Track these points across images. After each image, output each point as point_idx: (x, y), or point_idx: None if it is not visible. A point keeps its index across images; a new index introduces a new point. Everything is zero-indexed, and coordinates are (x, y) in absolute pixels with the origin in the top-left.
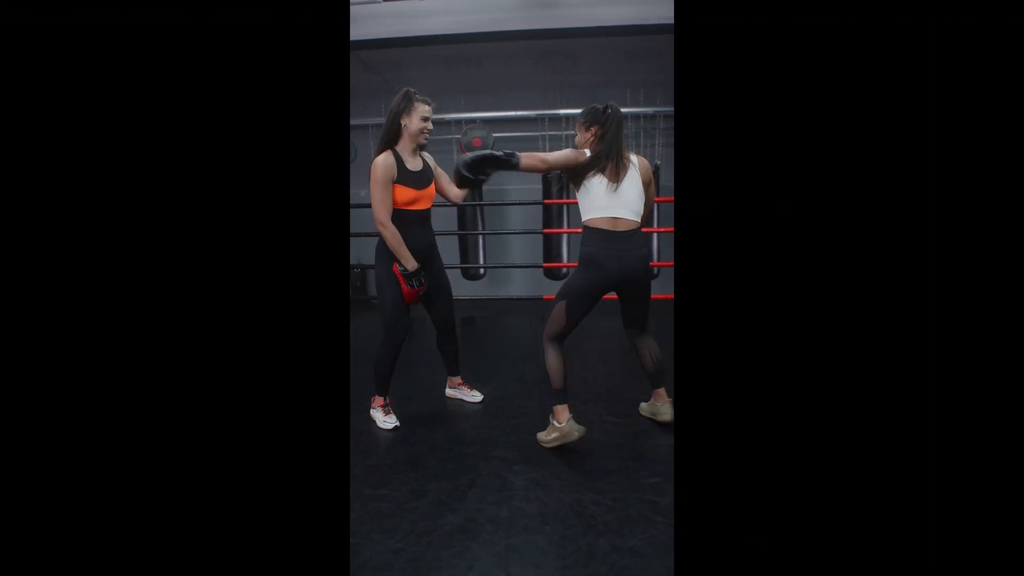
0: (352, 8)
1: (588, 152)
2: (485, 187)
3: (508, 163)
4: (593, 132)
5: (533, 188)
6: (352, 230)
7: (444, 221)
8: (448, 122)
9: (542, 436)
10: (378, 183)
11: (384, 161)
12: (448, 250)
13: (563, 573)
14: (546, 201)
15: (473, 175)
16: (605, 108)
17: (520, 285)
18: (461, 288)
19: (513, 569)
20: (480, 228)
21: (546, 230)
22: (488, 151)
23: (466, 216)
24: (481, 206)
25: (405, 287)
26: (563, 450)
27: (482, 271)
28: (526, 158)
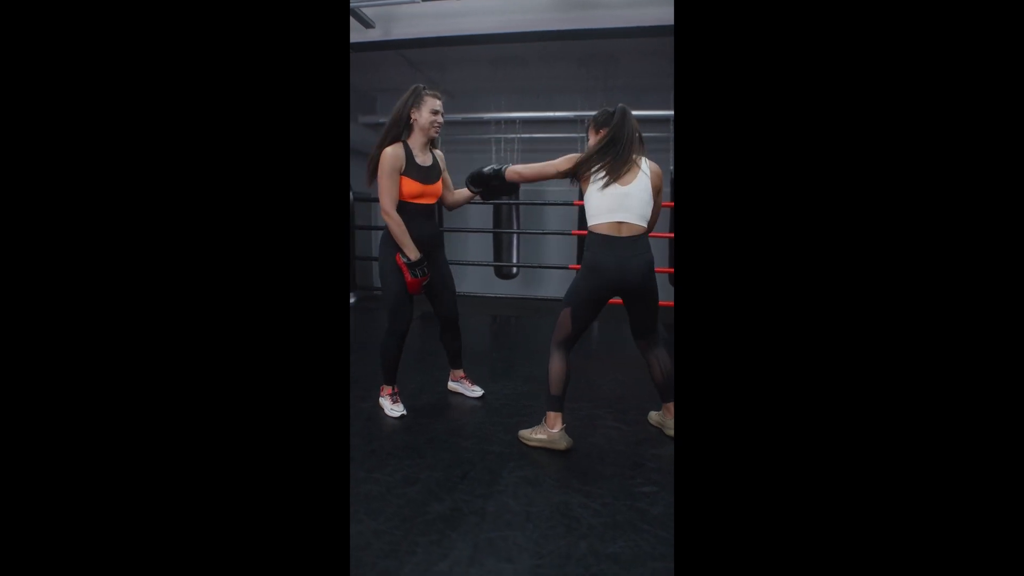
0: (394, 8)
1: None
2: (523, 186)
3: (496, 177)
4: (603, 134)
5: (570, 190)
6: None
7: (480, 219)
8: (487, 122)
9: (525, 433)
10: (385, 173)
11: (393, 152)
12: (482, 248)
13: (536, 572)
14: (576, 203)
15: (477, 189)
16: (614, 111)
17: (554, 286)
18: (493, 286)
19: (486, 562)
20: (515, 227)
21: (575, 231)
22: (477, 170)
23: (501, 215)
24: (517, 205)
25: (408, 276)
26: (560, 452)
27: (515, 270)
28: (509, 172)
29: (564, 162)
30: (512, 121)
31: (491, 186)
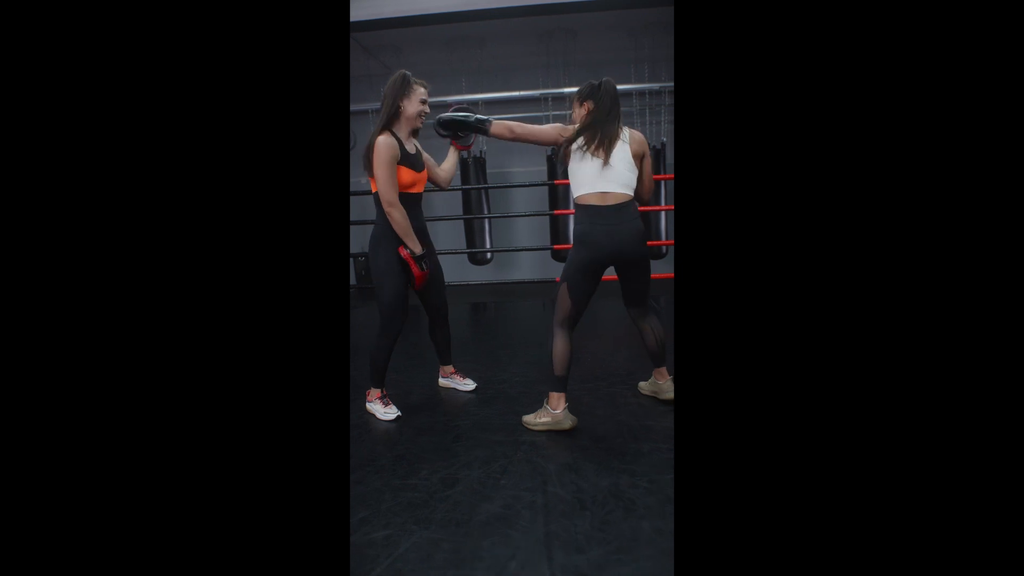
0: None
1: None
2: (489, 170)
3: (479, 128)
4: (587, 107)
5: (539, 170)
6: (353, 218)
7: (449, 206)
8: (450, 104)
9: (529, 418)
10: (384, 163)
11: (387, 141)
12: (454, 235)
13: (610, 558)
14: (554, 182)
15: (446, 133)
16: (599, 84)
17: (528, 268)
18: (468, 273)
19: (557, 557)
20: (485, 212)
21: (557, 211)
22: (461, 114)
23: (471, 200)
24: (486, 189)
25: (416, 270)
26: (593, 434)
27: (489, 255)
28: (496, 125)
29: (553, 130)
30: (475, 103)
31: (464, 133)
